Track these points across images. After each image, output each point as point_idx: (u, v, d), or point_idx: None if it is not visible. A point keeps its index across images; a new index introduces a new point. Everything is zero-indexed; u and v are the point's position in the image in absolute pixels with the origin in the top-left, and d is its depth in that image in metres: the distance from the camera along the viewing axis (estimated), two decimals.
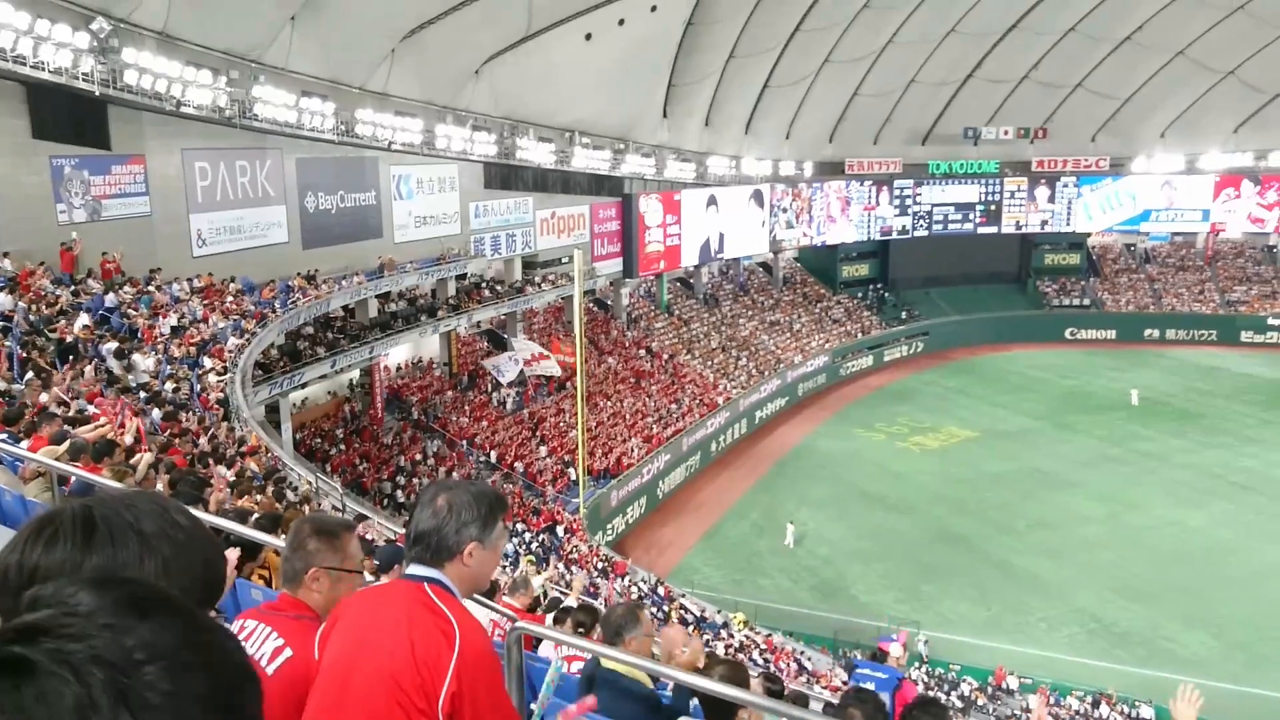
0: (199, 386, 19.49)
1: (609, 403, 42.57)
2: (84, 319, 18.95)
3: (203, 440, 14.90)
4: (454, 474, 32.93)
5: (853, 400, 54.39)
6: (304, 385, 29.49)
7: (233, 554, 5.06)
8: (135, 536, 1.32)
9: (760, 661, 26.05)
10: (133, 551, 1.30)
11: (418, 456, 33.17)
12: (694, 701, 4.99)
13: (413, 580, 2.63)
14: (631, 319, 51.45)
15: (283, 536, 7.13)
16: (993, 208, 66.39)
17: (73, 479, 6.09)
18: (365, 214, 35.42)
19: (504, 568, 22.22)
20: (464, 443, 35.35)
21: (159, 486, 8.36)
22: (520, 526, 31.91)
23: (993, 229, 66.62)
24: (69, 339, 17.71)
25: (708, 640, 25.96)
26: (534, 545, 31.22)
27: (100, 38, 21.52)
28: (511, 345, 40.68)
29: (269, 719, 1.08)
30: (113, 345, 18.53)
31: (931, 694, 25.86)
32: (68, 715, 0.81)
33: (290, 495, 15.05)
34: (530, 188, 43.28)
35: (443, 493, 2.70)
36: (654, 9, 40.72)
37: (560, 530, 32.79)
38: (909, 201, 65.51)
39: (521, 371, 38.88)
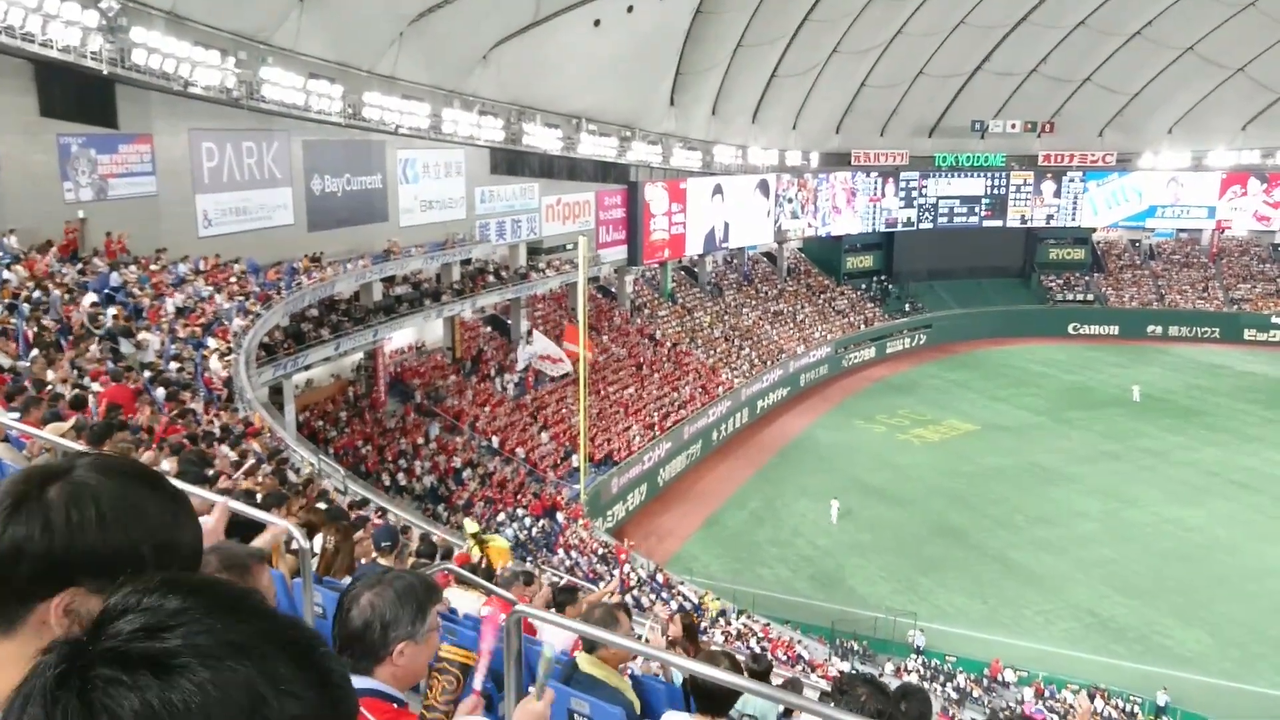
0: (203, 367, 19.56)
1: (611, 390, 42.64)
2: (90, 298, 19.01)
3: (206, 419, 14.98)
4: (455, 459, 33.06)
5: (854, 392, 54.44)
6: (308, 367, 29.56)
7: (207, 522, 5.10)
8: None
9: (757, 649, 26.17)
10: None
11: (419, 440, 33.28)
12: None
13: None
14: (635, 306, 51.47)
15: (282, 516, 7.20)
16: (998, 201, 66.31)
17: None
18: (371, 197, 35.43)
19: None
20: (466, 427, 35.45)
21: (165, 466, 8.44)
22: (520, 512, 32.05)
23: (998, 222, 66.54)
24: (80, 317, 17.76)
25: (704, 627, 26.09)
26: (534, 531, 31.38)
27: (109, 16, 21.49)
28: (530, 339, 40.71)
29: None
30: (112, 315, 18.57)
31: (915, 683, 26.01)
32: (240, 693, 0.86)
33: (292, 477, 15.14)
34: (536, 174, 43.27)
35: (367, 590, 2.56)
36: None
37: (560, 516, 32.92)
38: (914, 194, 65.42)
39: (528, 365, 39.11)
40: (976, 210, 66.35)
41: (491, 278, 40.30)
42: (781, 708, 5.29)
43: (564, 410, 39.20)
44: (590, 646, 4.62)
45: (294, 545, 5.26)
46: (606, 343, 46.01)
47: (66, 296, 18.64)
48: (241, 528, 5.38)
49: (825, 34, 51.07)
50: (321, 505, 10.83)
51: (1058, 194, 66.30)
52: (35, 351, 14.39)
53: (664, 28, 43.00)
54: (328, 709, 0.91)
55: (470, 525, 11.79)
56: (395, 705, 2.53)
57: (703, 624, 26.83)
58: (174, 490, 1.37)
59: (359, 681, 2.48)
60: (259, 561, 3.11)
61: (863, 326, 61.29)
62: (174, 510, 1.34)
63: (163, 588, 0.93)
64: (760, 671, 6.72)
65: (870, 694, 4.41)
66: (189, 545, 1.34)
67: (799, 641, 29.44)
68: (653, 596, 29.77)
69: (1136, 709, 27.35)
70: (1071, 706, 26.97)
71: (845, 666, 27.25)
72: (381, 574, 2.64)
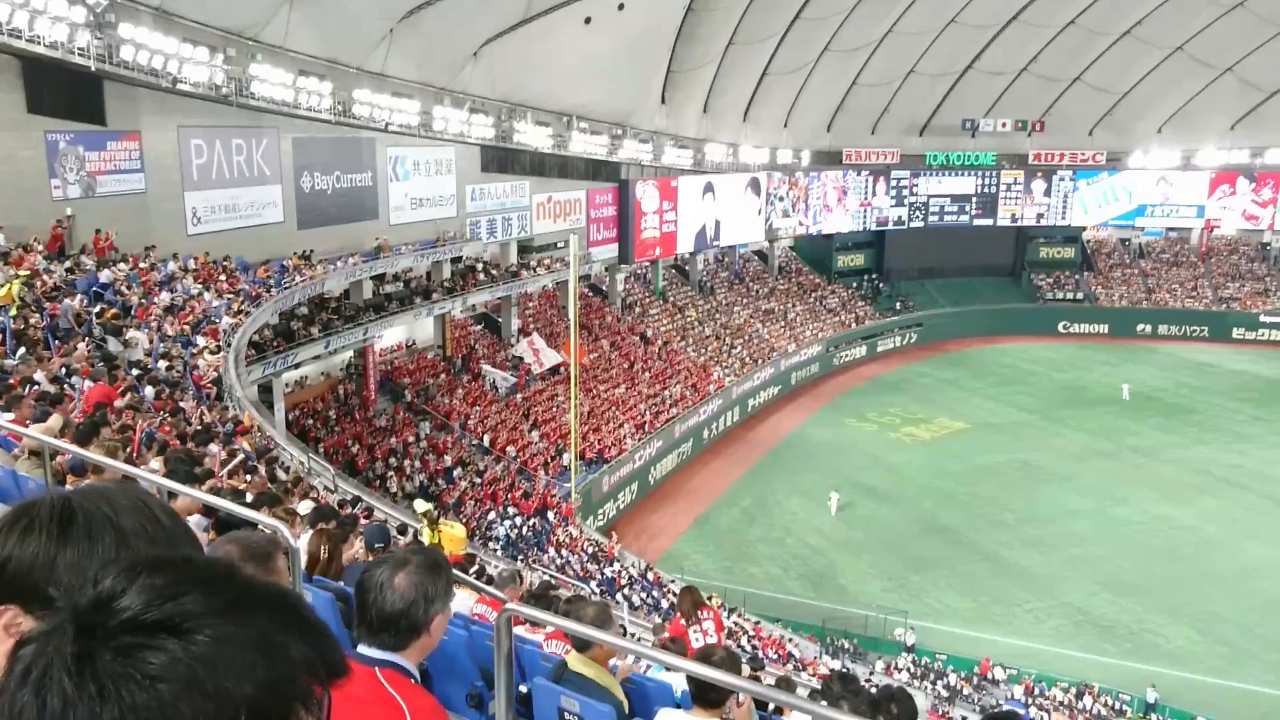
0: (192, 365, 19.46)
1: (602, 388, 42.59)
2: (78, 296, 18.89)
3: (195, 419, 14.89)
4: (446, 458, 32.98)
5: (845, 390, 54.48)
6: (297, 366, 29.43)
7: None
8: (112, 531, 1.26)
9: (748, 648, 26.20)
10: (109, 546, 1.25)
11: (410, 439, 33.18)
12: (683, 688, 5.00)
13: (365, 663, 2.60)
14: (626, 305, 51.42)
15: (269, 515, 7.14)
16: (989, 200, 66.43)
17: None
18: (361, 195, 35.31)
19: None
20: (456, 426, 35.35)
21: (152, 464, 8.38)
22: (511, 511, 31.98)
23: (988, 221, 66.65)
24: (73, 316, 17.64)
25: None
26: (525, 530, 31.32)
27: (97, 12, 21.37)
28: (514, 342, 40.59)
29: None
30: (98, 313, 18.45)
31: (902, 685, 26.08)
32: (254, 640, 0.93)
33: (282, 475, 15.06)
34: (527, 171, 43.16)
35: (398, 571, 2.69)
36: None
37: (551, 515, 32.87)
38: (905, 192, 65.51)
39: (517, 382, 39.03)
40: (967, 209, 66.47)
41: (482, 276, 40.18)
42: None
43: (554, 409, 39.12)
44: (581, 646, 4.60)
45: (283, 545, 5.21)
46: (603, 347, 45.94)
47: (70, 302, 18.49)
48: (233, 528, 5.34)
49: (817, 32, 51.12)
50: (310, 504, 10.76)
51: (1048, 193, 66.44)
52: (23, 350, 14.29)
53: (655, 25, 42.98)
54: (323, 652, 1.01)
55: (421, 504, 11.63)
56: (412, 680, 2.63)
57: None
58: (186, 528, 1.38)
59: (381, 654, 2.62)
60: (279, 550, 3.13)
61: (854, 325, 61.34)
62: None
63: (152, 566, 0.98)
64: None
65: (843, 699, 4.38)
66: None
67: (790, 640, 29.46)
68: (643, 595, 29.77)
69: (1126, 706, 27.45)
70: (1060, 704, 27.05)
71: (836, 665, 27.28)
72: (400, 556, 2.78)
